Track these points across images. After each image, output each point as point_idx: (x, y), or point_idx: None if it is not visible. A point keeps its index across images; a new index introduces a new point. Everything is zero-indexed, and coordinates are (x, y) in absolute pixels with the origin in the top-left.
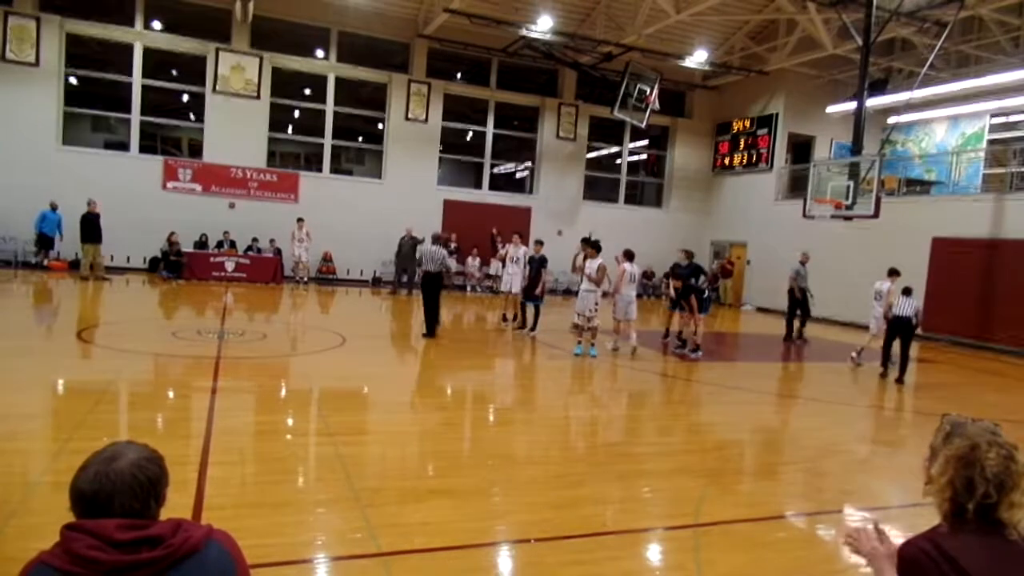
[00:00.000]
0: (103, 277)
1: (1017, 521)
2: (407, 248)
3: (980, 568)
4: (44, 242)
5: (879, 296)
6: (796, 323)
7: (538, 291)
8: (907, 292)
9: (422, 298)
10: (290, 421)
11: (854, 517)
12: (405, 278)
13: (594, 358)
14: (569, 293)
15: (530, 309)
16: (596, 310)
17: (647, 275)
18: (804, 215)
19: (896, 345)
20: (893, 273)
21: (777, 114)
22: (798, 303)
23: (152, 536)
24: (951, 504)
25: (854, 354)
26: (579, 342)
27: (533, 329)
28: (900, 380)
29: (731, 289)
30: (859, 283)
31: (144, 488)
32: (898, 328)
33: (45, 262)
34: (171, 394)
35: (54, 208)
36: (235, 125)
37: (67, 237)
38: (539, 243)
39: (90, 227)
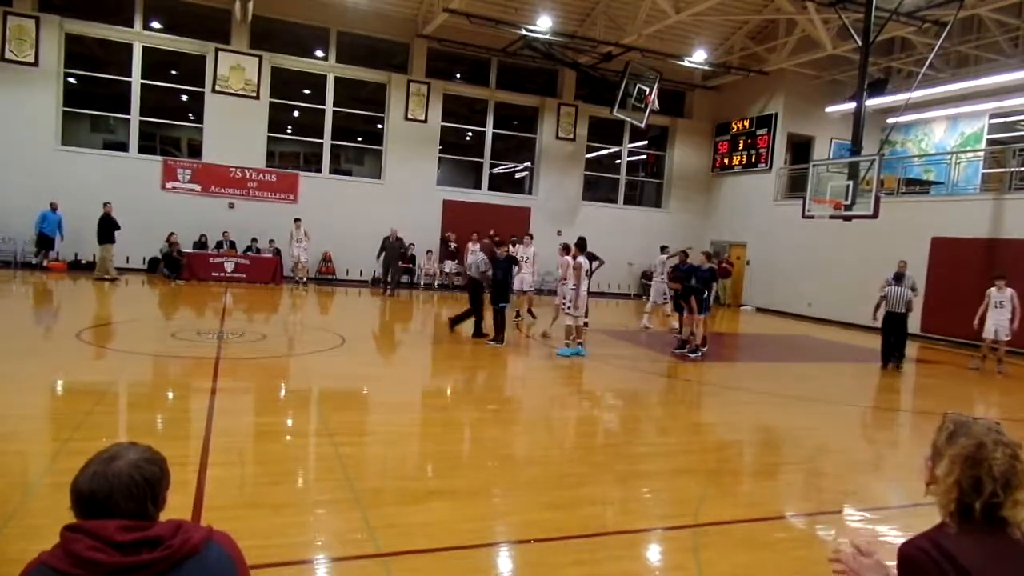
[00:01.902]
0: (102, 277)
1: (1021, 520)
2: (392, 248)
3: (981, 568)
4: (44, 242)
5: (1000, 304)
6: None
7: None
8: (899, 279)
9: (469, 301)
10: (290, 422)
11: (854, 517)
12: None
13: (582, 357)
14: None
15: (488, 315)
16: (570, 305)
17: (647, 275)
18: (803, 215)
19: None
20: (1000, 277)
21: (776, 114)
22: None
23: (152, 537)
24: (957, 504)
25: (1000, 368)
26: (566, 343)
27: (501, 340)
28: (898, 367)
29: (730, 289)
30: (858, 283)
31: (141, 489)
32: (893, 324)
33: (45, 263)
34: (171, 395)
35: (54, 208)
36: (234, 125)
37: (68, 238)
38: (501, 243)
39: (103, 228)
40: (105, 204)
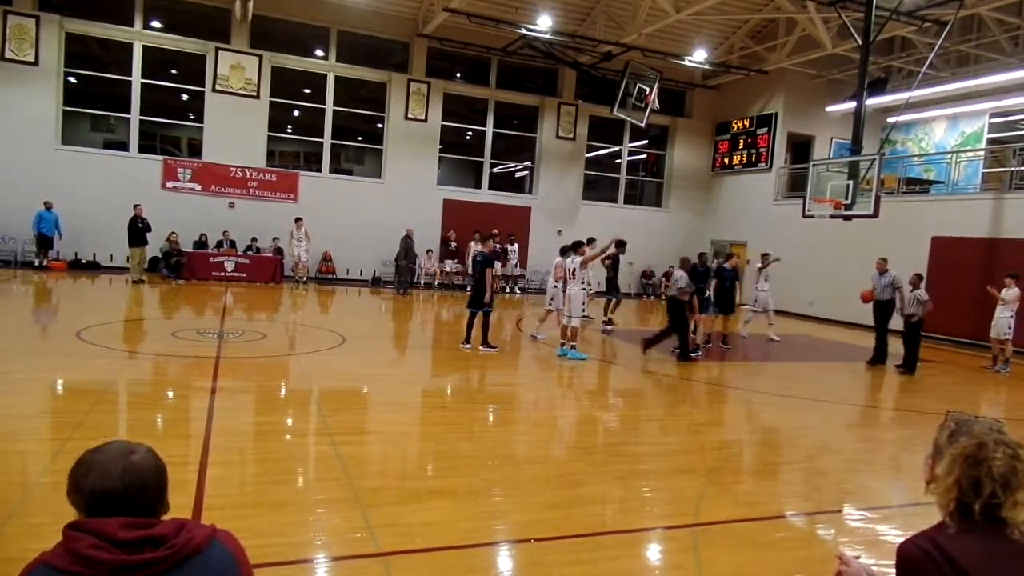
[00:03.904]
0: (139, 279)
1: (1021, 521)
2: (410, 247)
3: (980, 568)
4: (44, 242)
5: (1002, 303)
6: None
7: (486, 298)
8: (916, 284)
9: (670, 321)
10: (290, 421)
11: (854, 516)
12: (408, 278)
13: (583, 360)
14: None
15: (478, 319)
16: (582, 308)
17: (646, 275)
18: (804, 215)
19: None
20: (1012, 277)
21: (776, 113)
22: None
23: (155, 536)
24: (957, 504)
25: (996, 367)
26: (562, 343)
27: (485, 342)
28: (910, 371)
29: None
30: (858, 283)
31: (164, 479)
32: (910, 326)
33: (45, 262)
34: (171, 394)
35: (48, 207)
36: (235, 125)
37: (68, 237)
38: (485, 239)
39: (134, 231)
40: (135, 206)
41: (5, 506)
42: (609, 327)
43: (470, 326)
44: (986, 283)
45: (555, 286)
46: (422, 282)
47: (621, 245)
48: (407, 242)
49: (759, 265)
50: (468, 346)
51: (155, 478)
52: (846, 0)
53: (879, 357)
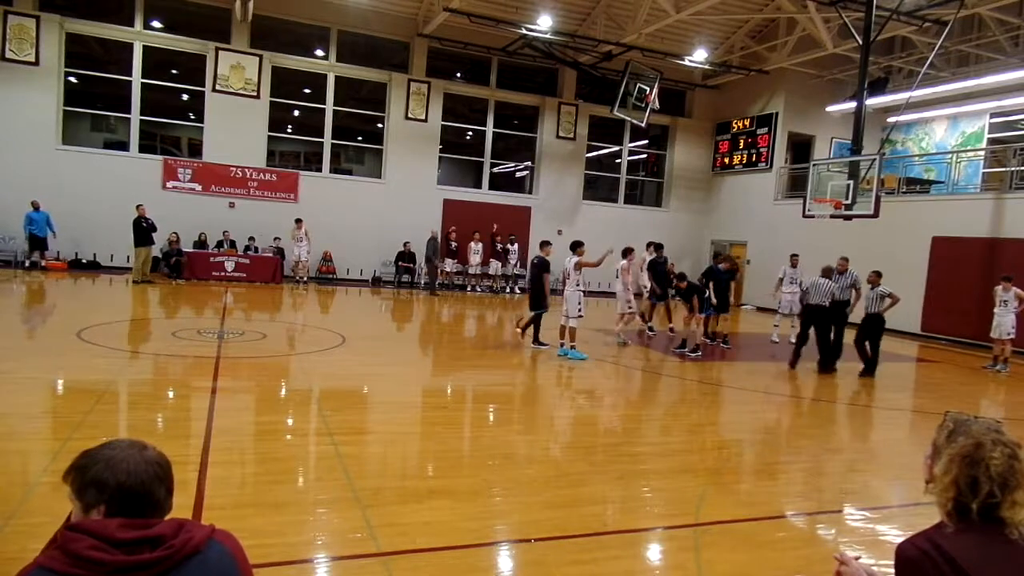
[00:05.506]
0: (138, 280)
1: (1019, 520)
2: (431, 250)
3: (979, 568)
4: (37, 243)
5: (1005, 304)
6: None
7: (545, 301)
8: (875, 282)
9: (814, 333)
10: (290, 421)
11: (854, 516)
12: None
13: (582, 360)
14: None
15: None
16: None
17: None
18: (804, 215)
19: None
20: (1007, 279)
21: (777, 113)
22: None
23: (154, 536)
24: (955, 503)
25: (996, 366)
26: (561, 343)
27: (536, 340)
28: (870, 374)
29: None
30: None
31: (172, 475)
32: (871, 325)
33: (43, 263)
34: (171, 394)
35: (36, 207)
36: (235, 124)
37: (69, 237)
38: (543, 244)
39: (139, 231)
40: (138, 206)
41: (5, 506)
42: (651, 332)
43: (534, 325)
44: (986, 283)
45: (627, 289)
46: (423, 281)
47: (659, 248)
48: (434, 243)
49: (788, 269)
50: (543, 345)
51: (167, 473)
52: (846, 0)
53: (825, 360)
